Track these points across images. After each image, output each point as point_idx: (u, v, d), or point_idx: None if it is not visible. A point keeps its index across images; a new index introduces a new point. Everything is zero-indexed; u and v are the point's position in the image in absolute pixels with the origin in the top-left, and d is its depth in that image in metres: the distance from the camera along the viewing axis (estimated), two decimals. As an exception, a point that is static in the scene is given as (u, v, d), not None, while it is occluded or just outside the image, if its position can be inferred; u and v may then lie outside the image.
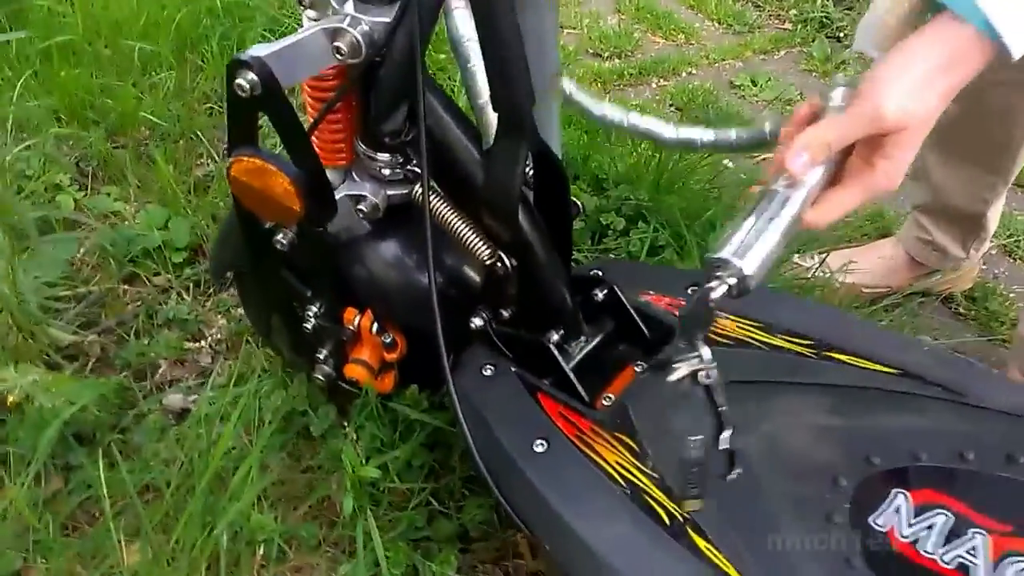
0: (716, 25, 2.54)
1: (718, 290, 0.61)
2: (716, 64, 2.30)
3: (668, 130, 0.98)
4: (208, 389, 1.15)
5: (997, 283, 1.51)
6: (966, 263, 1.40)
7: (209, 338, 1.31)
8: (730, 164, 1.77)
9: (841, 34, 2.42)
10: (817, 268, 1.34)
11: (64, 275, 1.34)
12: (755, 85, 2.17)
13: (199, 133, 1.68)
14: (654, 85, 2.18)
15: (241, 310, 1.28)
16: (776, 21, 2.58)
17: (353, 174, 0.88)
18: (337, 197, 0.85)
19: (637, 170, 1.50)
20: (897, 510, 0.66)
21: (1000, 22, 0.58)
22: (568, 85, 1.04)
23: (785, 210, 0.63)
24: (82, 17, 1.94)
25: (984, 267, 1.52)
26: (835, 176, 0.67)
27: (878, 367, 0.77)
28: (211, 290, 1.38)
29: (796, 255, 1.41)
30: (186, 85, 1.84)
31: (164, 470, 1.02)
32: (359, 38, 0.71)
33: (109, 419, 1.12)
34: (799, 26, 2.48)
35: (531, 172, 0.83)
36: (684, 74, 2.23)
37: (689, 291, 0.89)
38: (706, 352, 0.63)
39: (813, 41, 2.39)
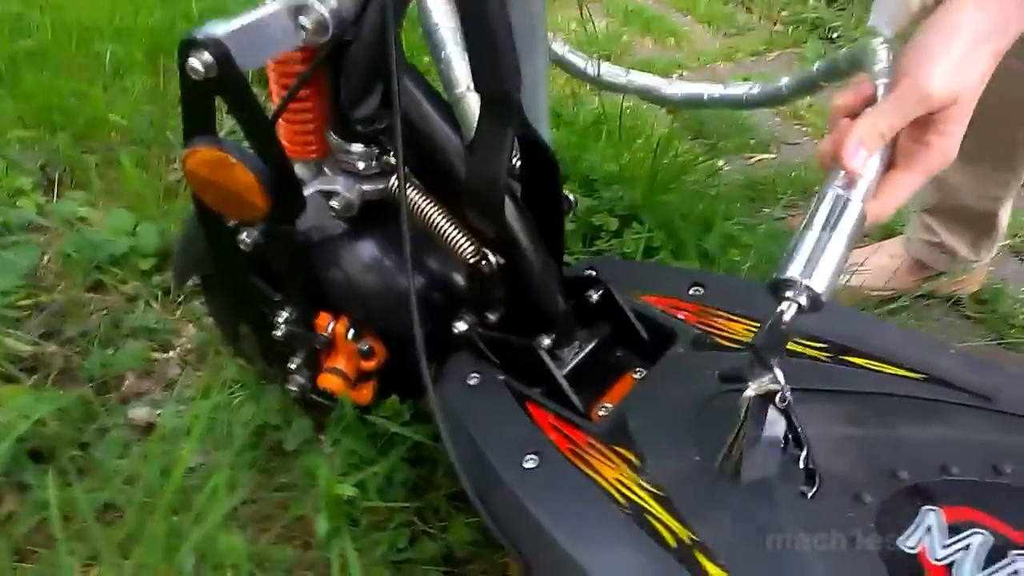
0: (706, 27, 2.50)
1: (789, 312, 0.59)
2: (708, 66, 2.25)
3: (671, 87, 0.92)
4: (174, 401, 1.07)
5: (1006, 284, 1.45)
6: (976, 265, 1.34)
7: (178, 348, 1.24)
8: (726, 166, 1.72)
9: (834, 35, 2.38)
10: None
11: (24, 283, 1.27)
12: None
13: (171, 137, 1.61)
14: (644, 87, 2.12)
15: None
16: (767, 23, 2.53)
17: (325, 168, 0.82)
18: (307, 193, 0.78)
19: (630, 170, 1.44)
20: (928, 529, 0.60)
21: None
22: (560, 47, 0.98)
23: (847, 214, 0.60)
24: (51, 21, 1.88)
25: (992, 268, 1.46)
26: (888, 161, 0.63)
27: (900, 371, 0.71)
28: (181, 298, 1.31)
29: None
30: (159, 89, 1.77)
31: (126, 489, 0.95)
32: (326, 14, 0.65)
33: (70, 434, 1.04)
34: (791, 28, 2.44)
35: (518, 162, 0.76)
36: (675, 76, 2.18)
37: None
38: (780, 375, 0.60)
39: (805, 43, 2.34)
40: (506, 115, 0.65)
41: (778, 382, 0.59)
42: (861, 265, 1.32)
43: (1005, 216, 1.28)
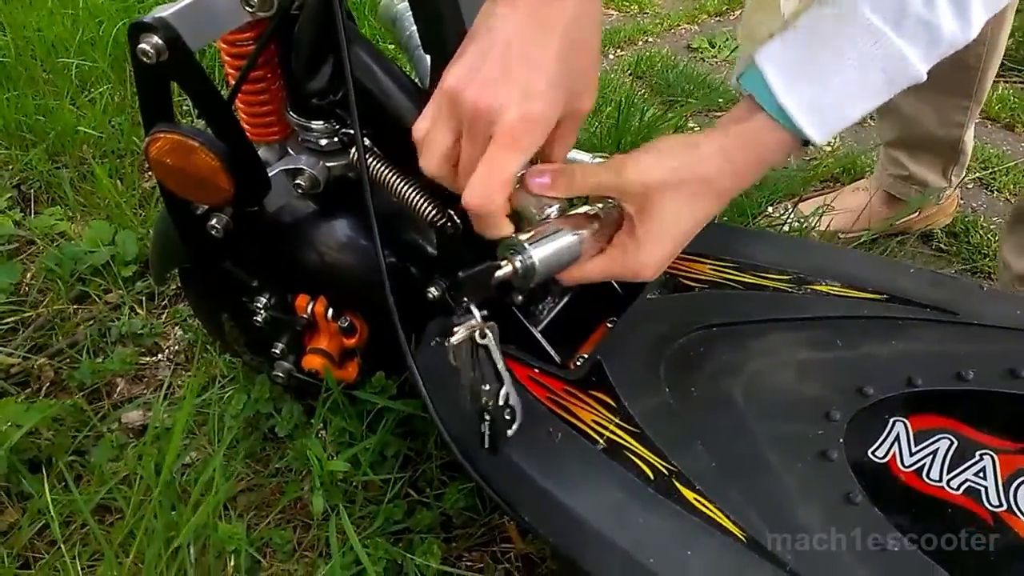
0: (668, -9, 2.51)
1: (504, 270, 0.62)
2: (672, 30, 2.26)
3: None
4: (165, 400, 1.08)
5: (977, 216, 1.47)
6: (947, 191, 1.35)
7: (166, 351, 1.25)
8: (695, 126, 1.73)
9: (795, -11, 2.38)
10: (790, 214, 1.29)
11: (9, 300, 1.28)
12: (712, 47, 2.13)
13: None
14: (611, 56, 2.13)
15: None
16: (729, -18, 2.54)
17: (289, 149, 0.83)
18: (272, 174, 0.79)
19: (597, 137, 1.45)
20: (896, 439, 0.61)
21: (798, 113, 0.57)
22: None
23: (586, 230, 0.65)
24: (14, 39, 1.88)
25: (962, 201, 1.48)
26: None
27: (862, 294, 0.72)
28: (165, 302, 1.32)
29: (770, 205, 1.37)
30: (127, 99, 1.78)
31: (123, 489, 0.96)
32: (269, -14, 0.65)
33: (65, 442, 1.06)
34: (752, -15, 2.44)
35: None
36: (640, 43, 2.19)
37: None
38: (478, 315, 0.63)
39: (768, -2, 2.35)
40: None
41: (477, 321, 0.62)
42: (832, 207, 1.33)
43: (969, 140, 1.30)
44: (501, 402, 0.65)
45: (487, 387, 0.64)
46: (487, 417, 0.66)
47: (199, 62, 0.66)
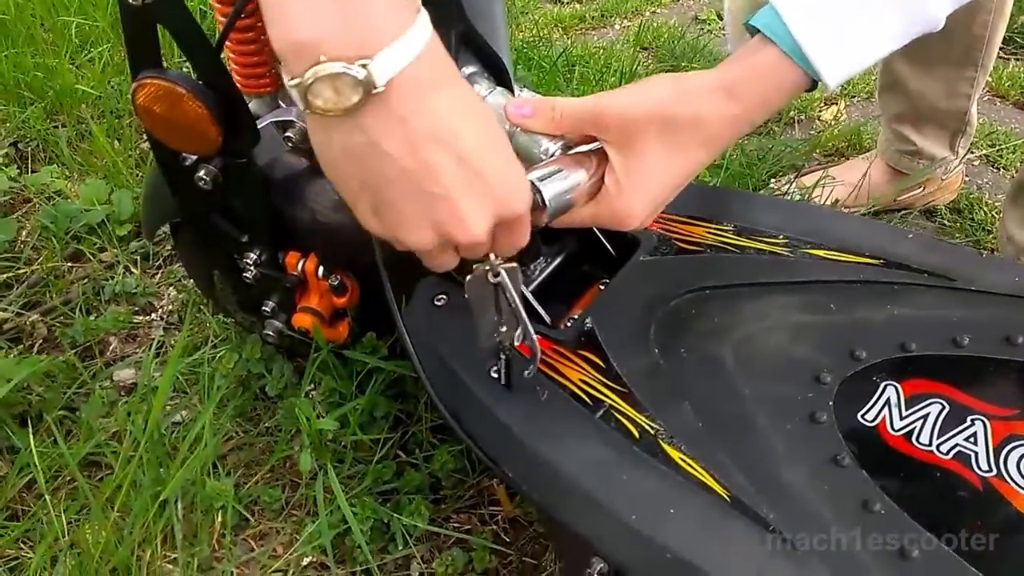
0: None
1: None
2: (680, 1, 2.23)
3: None
4: (156, 359, 1.08)
5: (982, 193, 1.45)
6: (954, 163, 1.33)
7: (160, 310, 1.24)
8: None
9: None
10: (792, 186, 1.27)
11: (3, 257, 1.28)
12: (720, 19, 2.10)
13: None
14: (617, 27, 2.10)
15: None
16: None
17: (280, 101, 0.81)
18: (261, 125, 0.78)
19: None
20: (887, 403, 0.60)
21: (811, 47, 0.55)
22: None
23: (589, 169, 0.63)
24: (13, -3, 1.86)
25: (967, 179, 1.46)
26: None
27: (858, 259, 0.71)
28: (159, 262, 1.31)
29: (772, 178, 1.35)
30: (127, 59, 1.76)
31: (113, 444, 0.96)
32: (258, -71, 0.64)
33: (56, 399, 1.05)
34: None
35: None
36: (648, 13, 2.16)
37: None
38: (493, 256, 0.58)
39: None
40: (444, 15, 0.65)
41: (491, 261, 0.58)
42: (833, 177, 1.31)
43: (975, 110, 1.28)
44: (517, 342, 0.63)
45: (504, 328, 0.62)
46: (503, 356, 0.65)
47: (187, 6, 0.65)
